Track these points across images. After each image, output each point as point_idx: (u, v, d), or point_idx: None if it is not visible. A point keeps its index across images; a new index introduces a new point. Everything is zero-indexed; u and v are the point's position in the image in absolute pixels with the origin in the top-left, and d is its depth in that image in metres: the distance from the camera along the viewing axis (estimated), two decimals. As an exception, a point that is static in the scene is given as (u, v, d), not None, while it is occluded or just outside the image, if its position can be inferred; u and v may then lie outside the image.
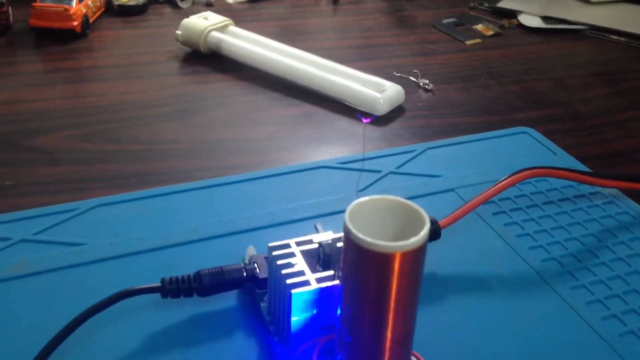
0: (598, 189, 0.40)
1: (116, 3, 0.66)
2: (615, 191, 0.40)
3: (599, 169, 0.43)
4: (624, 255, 0.35)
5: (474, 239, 0.36)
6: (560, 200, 0.40)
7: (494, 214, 0.38)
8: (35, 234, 0.35)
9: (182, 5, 0.70)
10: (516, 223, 0.38)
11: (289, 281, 0.27)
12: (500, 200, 0.39)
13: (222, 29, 0.60)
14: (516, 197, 0.40)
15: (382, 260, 0.21)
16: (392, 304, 0.22)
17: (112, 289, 0.30)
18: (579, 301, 0.32)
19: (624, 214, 0.38)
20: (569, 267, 0.34)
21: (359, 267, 0.22)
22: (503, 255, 0.35)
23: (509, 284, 0.33)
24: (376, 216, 0.23)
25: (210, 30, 0.58)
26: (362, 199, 0.23)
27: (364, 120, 0.27)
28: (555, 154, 0.45)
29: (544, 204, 0.39)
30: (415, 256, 0.22)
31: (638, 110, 0.53)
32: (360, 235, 0.21)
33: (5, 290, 0.31)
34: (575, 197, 0.40)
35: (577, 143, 0.47)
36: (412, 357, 0.27)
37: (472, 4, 0.74)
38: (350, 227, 0.21)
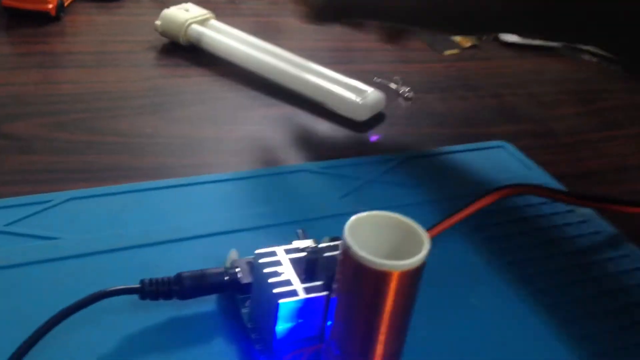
0: (573, 207, 0.41)
1: (93, -13, 0.64)
2: (589, 211, 0.41)
3: (572, 187, 0.44)
4: (596, 275, 0.36)
5: (452, 253, 0.37)
6: (537, 217, 0.40)
7: (472, 228, 0.39)
8: (7, 225, 0.34)
9: (161, -6, 0.68)
10: (494, 238, 0.38)
11: (275, 290, 0.27)
12: (479, 215, 0.40)
13: (203, 22, 0.59)
14: (494, 212, 0.40)
15: (380, 277, 0.21)
16: (385, 321, 0.22)
17: (87, 286, 0.29)
18: (554, 320, 0.33)
19: (597, 234, 0.39)
20: (544, 284, 0.35)
21: (356, 283, 0.22)
22: (481, 270, 0.36)
23: (487, 300, 0.34)
24: (374, 232, 0.23)
25: (190, 23, 0.57)
26: (361, 214, 0.23)
27: (372, 139, 0.27)
28: (530, 169, 0.46)
29: (520, 220, 0.40)
30: (413, 275, 0.22)
31: (610, 131, 0.54)
32: (361, 252, 0.21)
33: (-27, 285, 0.30)
34: (551, 214, 0.41)
35: (551, 160, 0.48)
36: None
37: (451, 14, 0.75)
38: (351, 243, 0.21)
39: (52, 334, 0.27)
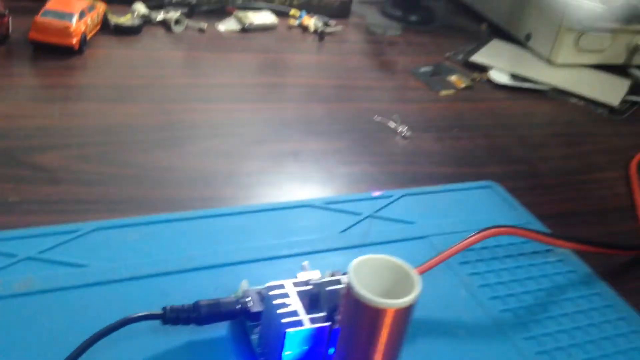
0: (552, 247, 0.45)
1: (112, 22, 0.68)
2: (567, 251, 0.45)
3: (553, 228, 0.48)
4: (570, 311, 0.40)
5: (442, 286, 0.41)
6: (519, 255, 0.44)
7: (460, 263, 0.43)
8: (41, 252, 0.37)
9: (176, 29, 0.72)
10: (479, 274, 0.42)
11: (284, 320, 0.30)
12: (466, 251, 0.44)
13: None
14: (480, 249, 0.44)
15: (377, 313, 0.25)
16: (380, 350, 0.26)
17: (113, 311, 0.33)
18: (530, 351, 0.36)
19: (572, 273, 0.43)
20: (523, 318, 0.39)
21: (356, 317, 0.26)
22: (466, 303, 0.39)
23: (470, 331, 0.37)
24: (374, 272, 0.27)
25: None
26: (364, 257, 0.27)
27: (374, 194, 0.30)
28: (515, 209, 0.50)
29: (504, 257, 0.44)
30: (405, 313, 0.25)
31: (592, 173, 0.58)
32: (362, 292, 0.25)
33: (12, 307, 0.34)
34: (532, 253, 0.45)
35: (535, 201, 0.52)
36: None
37: (447, 54, 0.80)
38: (354, 283, 0.25)
39: (83, 357, 0.31)
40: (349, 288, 0.25)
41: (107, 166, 0.47)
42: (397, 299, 0.25)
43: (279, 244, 0.42)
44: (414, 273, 0.26)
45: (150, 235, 0.40)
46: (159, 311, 0.33)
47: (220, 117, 0.57)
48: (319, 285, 0.33)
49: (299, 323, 0.30)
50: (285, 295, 0.32)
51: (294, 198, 0.47)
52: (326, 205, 0.46)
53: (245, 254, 0.40)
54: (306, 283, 0.33)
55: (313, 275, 0.34)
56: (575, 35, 0.78)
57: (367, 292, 0.25)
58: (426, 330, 0.37)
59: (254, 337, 0.34)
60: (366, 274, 0.26)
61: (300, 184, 0.50)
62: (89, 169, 0.47)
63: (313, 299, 0.33)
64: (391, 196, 0.49)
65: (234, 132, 0.55)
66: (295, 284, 0.33)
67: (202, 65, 0.67)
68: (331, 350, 0.30)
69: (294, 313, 0.31)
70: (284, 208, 0.45)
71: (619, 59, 0.82)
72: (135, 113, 0.55)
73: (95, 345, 0.31)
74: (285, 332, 0.30)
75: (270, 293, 0.32)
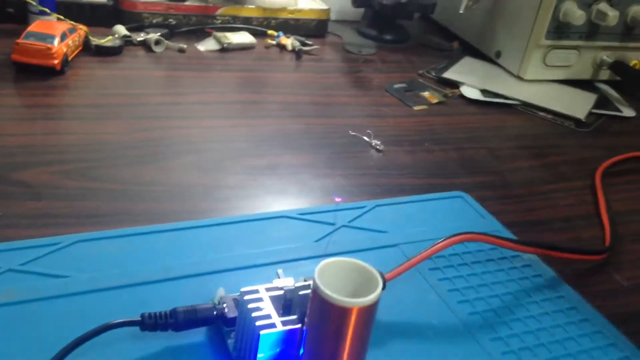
0: (519, 253, 0.47)
1: (93, 43, 0.70)
2: (533, 256, 0.47)
3: (521, 235, 0.50)
4: (535, 313, 0.42)
5: (412, 291, 0.42)
6: (487, 260, 0.46)
7: (430, 269, 0.44)
8: (22, 264, 0.39)
9: (156, 49, 0.74)
10: (448, 279, 0.44)
11: (258, 323, 0.32)
12: (436, 257, 0.45)
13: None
14: (450, 255, 0.46)
15: (343, 312, 0.27)
16: (347, 348, 0.28)
17: (92, 320, 0.34)
18: (496, 351, 0.38)
19: (538, 277, 0.45)
20: (490, 320, 0.40)
21: (322, 317, 0.27)
22: (436, 307, 0.41)
23: (440, 333, 0.39)
24: (339, 274, 0.28)
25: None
26: (329, 260, 0.28)
27: (337, 200, 0.32)
28: (484, 218, 0.52)
29: (472, 263, 0.46)
30: (369, 310, 0.27)
31: (559, 183, 0.61)
32: (327, 291, 0.26)
33: (-6, 316, 0.35)
34: (499, 259, 0.46)
35: (504, 210, 0.54)
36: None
37: (421, 72, 0.82)
38: (319, 283, 0.27)
39: (63, 360, 0.32)
40: (315, 289, 0.27)
41: (88, 181, 0.49)
42: (361, 298, 0.27)
43: (255, 254, 0.43)
44: (376, 274, 0.28)
45: (130, 247, 0.42)
46: (137, 318, 0.34)
47: (198, 134, 0.59)
48: (292, 291, 0.34)
49: (272, 325, 0.32)
50: (259, 300, 0.34)
51: (271, 210, 0.49)
52: (301, 216, 0.48)
53: (222, 264, 0.41)
54: (279, 288, 0.34)
55: (287, 282, 0.36)
56: (542, 52, 0.81)
57: (332, 293, 0.26)
58: (397, 332, 0.38)
59: (230, 341, 0.35)
60: (332, 276, 0.28)
61: (276, 196, 0.51)
62: (70, 184, 0.48)
63: (286, 304, 0.35)
64: (364, 207, 0.50)
65: (212, 148, 0.57)
66: (269, 289, 0.34)
67: (181, 84, 0.69)
68: (302, 351, 0.31)
69: (268, 316, 0.32)
70: (260, 219, 0.47)
71: (585, 74, 0.85)
72: (116, 130, 0.56)
73: (75, 352, 0.33)
74: (259, 334, 0.31)
75: (245, 297, 0.33)
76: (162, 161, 0.53)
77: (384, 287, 0.38)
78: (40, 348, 0.33)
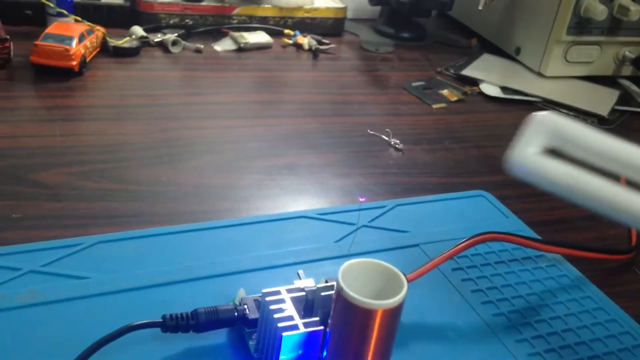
0: (543, 253, 0.46)
1: (111, 44, 0.70)
2: (557, 256, 0.46)
3: (544, 234, 0.49)
4: (561, 314, 0.41)
5: (435, 292, 0.41)
6: (510, 260, 0.45)
7: (453, 269, 0.44)
8: (43, 265, 0.39)
9: (173, 50, 0.74)
10: (471, 279, 0.43)
11: (280, 324, 0.31)
12: (458, 257, 0.45)
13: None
14: (473, 255, 0.45)
15: (367, 314, 0.26)
16: (371, 350, 0.27)
17: (114, 321, 0.34)
18: (521, 353, 0.37)
19: (563, 277, 0.44)
20: (515, 322, 0.40)
21: (346, 319, 0.27)
22: (459, 308, 0.40)
23: (464, 334, 0.38)
24: (363, 275, 0.28)
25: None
26: (352, 261, 0.28)
27: (361, 199, 0.32)
28: (507, 217, 0.51)
29: (496, 263, 0.45)
30: (394, 313, 0.26)
31: (581, 181, 0.59)
32: (351, 293, 0.26)
33: (16, 318, 0.35)
34: (523, 258, 0.46)
35: (525, 208, 0.53)
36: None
37: (439, 69, 0.81)
38: (343, 285, 0.26)
39: (86, 361, 0.32)
40: (339, 290, 0.27)
41: (107, 182, 0.48)
42: (386, 300, 0.26)
43: (275, 254, 0.43)
44: (401, 275, 0.28)
45: (150, 248, 0.42)
46: (158, 319, 0.34)
47: (216, 134, 0.58)
48: (313, 292, 0.34)
49: (294, 327, 0.31)
50: (281, 301, 0.33)
51: (290, 210, 0.48)
52: (321, 216, 0.47)
53: (242, 264, 0.41)
54: (300, 289, 0.34)
55: (308, 283, 0.35)
56: (563, 48, 0.80)
57: (356, 294, 0.26)
58: (420, 334, 0.38)
59: (252, 343, 0.35)
60: (355, 278, 0.28)
61: (295, 196, 0.51)
62: (89, 185, 0.48)
63: (308, 305, 0.34)
64: (385, 206, 0.50)
65: (230, 148, 0.56)
66: (290, 290, 0.34)
67: (199, 84, 0.69)
68: (325, 353, 0.31)
69: (290, 318, 0.32)
70: (279, 220, 0.47)
71: (607, 70, 0.84)
72: (134, 131, 0.56)
73: (97, 354, 0.32)
74: (281, 336, 0.31)
75: (267, 299, 0.33)
76: (180, 162, 0.53)
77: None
78: (61, 350, 0.32)
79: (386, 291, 0.27)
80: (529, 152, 0.25)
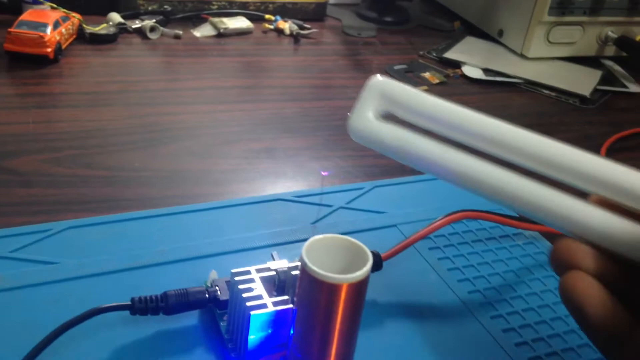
0: (520, 230, 0.46)
1: (88, 31, 0.69)
2: (535, 233, 0.46)
3: (523, 213, 0.48)
4: (538, 290, 0.41)
5: (411, 271, 0.41)
6: (487, 239, 0.45)
7: (430, 249, 0.43)
8: (12, 251, 0.38)
9: (151, 36, 0.73)
10: (448, 258, 0.43)
11: (248, 304, 0.31)
12: (435, 236, 0.44)
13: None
14: (449, 234, 0.45)
15: (332, 289, 0.26)
16: (337, 326, 0.27)
17: (84, 305, 0.33)
18: (496, 329, 0.37)
19: (540, 254, 0.44)
20: (491, 298, 0.39)
21: (311, 295, 0.26)
22: (435, 286, 0.40)
23: (439, 312, 0.38)
24: (328, 251, 0.27)
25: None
26: (317, 237, 0.27)
27: (323, 173, 0.31)
28: (487, 197, 0.50)
29: (473, 241, 0.45)
30: (359, 287, 0.26)
31: (561, 160, 0.59)
32: (314, 268, 0.25)
33: (-17, 304, 0.34)
34: (500, 237, 0.45)
35: (506, 188, 0.52)
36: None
37: (421, 52, 0.81)
38: (307, 260, 0.26)
39: (53, 347, 0.32)
40: (303, 266, 0.26)
41: (80, 169, 0.48)
42: (350, 274, 0.26)
43: (250, 237, 0.42)
44: (365, 249, 0.27)
45: (122, 233, 0.41)
46: (127, 302, 0.33)
47: (194, 119, 0.58)
48: (284, 272, 0.33)
49: (263, 306, 0.31)
50: (251, 281, 0.33)
51: (266, 193, 0.48)
52: (297, 199, 0.47)
53: (216, 247, 0.41)
54: (270, 269, 0.34)
55: (281, 264, 0.35)
56: (545, 29, 0.79)
57: (320, 269, 0.26)
58: (395, 312, 0.37)
59: (223, 324, 0.34)
60: (321, 253, 0.27)
61: (272, 180, 0.50)
62: (62, 172, 0.47)
63: (279, 285, 0.34)
64: (362, 188, 0.49)
65: (207, 133, 0.56)
66: (260, 270, 0.33)
67: (177, 70, 0.68)
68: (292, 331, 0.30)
69: (259, 297, 0.32)
70: (255, 202, 0.46)
71: (590, 51, 0.83)
72: (109, 118, 0.55)
73: (65, 337, 0.32)
74: (250, 315, 0.31)
75: (236, 278, 0.33)
76: (156, 147, 0.52)
77: (380, 267, 0.38)
78: (30, 333, 0.32)
79: (352, 266, 0.27)
80: (366, 117, 0.25)
